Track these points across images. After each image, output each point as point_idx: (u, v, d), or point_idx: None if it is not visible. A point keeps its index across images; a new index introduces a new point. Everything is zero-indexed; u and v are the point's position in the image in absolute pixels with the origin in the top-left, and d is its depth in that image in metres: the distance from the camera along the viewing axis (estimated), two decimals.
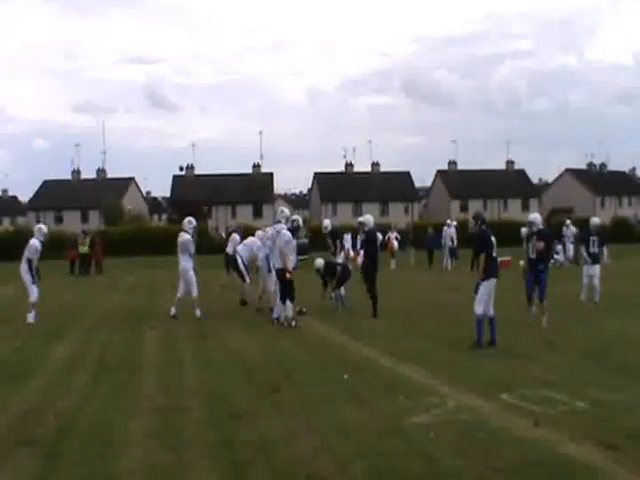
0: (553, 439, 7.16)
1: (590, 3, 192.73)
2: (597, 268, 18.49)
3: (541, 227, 15.62)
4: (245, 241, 19.06)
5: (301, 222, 19.31)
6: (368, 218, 17.77)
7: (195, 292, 17.62)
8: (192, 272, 17.55)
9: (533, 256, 15.33)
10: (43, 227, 17.79)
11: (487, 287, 12.70)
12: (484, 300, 12.65)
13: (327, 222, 22.14)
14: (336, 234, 21.63)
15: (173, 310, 17.54)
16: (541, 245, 15.01)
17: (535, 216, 16.02)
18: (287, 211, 17.52)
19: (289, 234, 16.08)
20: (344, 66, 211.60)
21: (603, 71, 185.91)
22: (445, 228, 35.21)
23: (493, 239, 12.95)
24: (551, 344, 12.82)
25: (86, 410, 8.86)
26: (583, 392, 9.06)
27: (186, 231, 17.71)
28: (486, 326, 12.73)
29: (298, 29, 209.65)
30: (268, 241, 17.09)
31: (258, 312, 17.82)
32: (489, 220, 36.65)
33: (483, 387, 9.48)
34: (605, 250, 18.72)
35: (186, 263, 17.61)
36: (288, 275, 15.72)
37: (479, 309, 12.64)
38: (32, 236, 17.42)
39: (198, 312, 17.50)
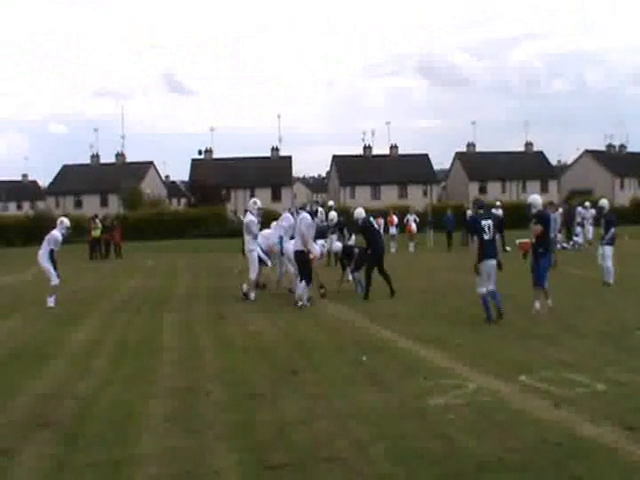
0: (572, 420, 7.14)
1: None
2: (608, 249, 18.36)
3: (541, 209, 14.95)
4: (263, 232, 18.98)
5: (322, 210, 19.72)
6: (359, 212, 18.00)
7: (253, 274, 17.58)
8: (255, 253, 17.52)
9: (533, 240, 14.65)
10: (66, 221, 17.97)
11: (485, 268, 13.29)
12: (484, 280, 13.31)
13: (333, 214, 22.21)
14: (342, 224, 21.70)
15: (245, 288, 17.68)
16: (539, 228, 14.32)
17: (534, 197, 15.23)
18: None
19: (309, 218, 16.30)
20: (361, 49, 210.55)
21: (620, 51, 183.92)
22: (468, 211, 35.15)
23: (488, 222, 13.42)
24: (570, 325, 12.77)
25: (106, 393, 8.91)
26: (602, 373, 9.02)
27: (251, 212, 17.74)
28: (492, 302, 13.37)
29: (316, 12, 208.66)
30: (283, 222, 17.10)
31: (274, 297, 17.88)
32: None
33: (502, 369, 9.45)
34: (611, 232, 18.39)
35: (249, 244, 17.63)
36: (311, 256, 15.96)
37: (482, 289, 13.37)
38: (53, 222, 17.57)
39: (248, 292, 17.60)
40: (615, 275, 18.35)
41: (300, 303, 15.64)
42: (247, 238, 17.70)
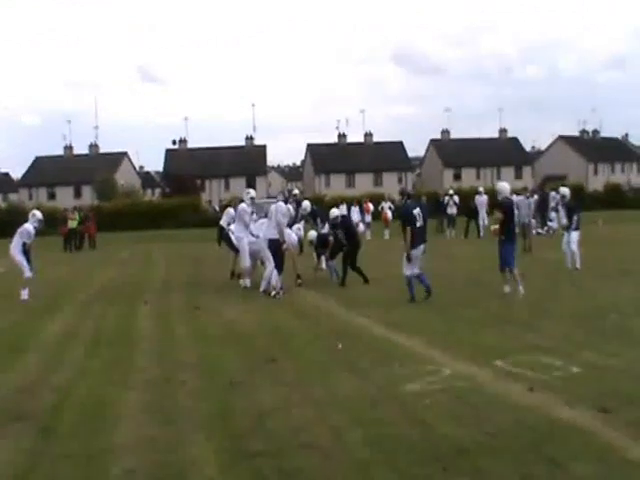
0: (548, 404, 7.18)
1: None
2: (574, 235, 18.55)
3: (506, 196, 15.06)
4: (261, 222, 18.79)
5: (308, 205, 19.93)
6: (333, 212, 18.39)
7: (246, 262, 17.46)
8: (245, 241, 17.38)
9: (496, 227, 14.75)
10: (38, 213, 17.79)
11: (414, 254, 14.02)
12: (413, 264, 14.04)
13: (306, 204, 22.22)
14: (315, 213, 21.69)
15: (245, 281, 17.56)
16: (499, 215, 14.55)
17: (502, 185, 15.37)
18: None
19: (285, 206, 16.41)
20: (335, 36, 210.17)
21: (593, 37, 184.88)
22: (447, 198, 35.37)
23: (417, 210, 14.26)
24: (545, 310, 12.85)
25: (81, 384, 8.86)
26: (577, 357, 9.08)
27: (245, 201, 17.58)
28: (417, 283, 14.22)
29: (291, 1, 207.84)
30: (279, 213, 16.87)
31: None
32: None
33: (477, 354, 9.49)
34: (574, 219, 18.61)
35: (239, 232, 17.58)
36: (285, 246, 16.12)
37: (407, 272, 14.13)
38: (25, 215, 17.42)
39: (246, 282, 17.51)
40: (581, 259, 18.44)
41: (274, 292, 15.63)
42: (237, 227, 17.67)
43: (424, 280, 14.25)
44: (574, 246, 18.45)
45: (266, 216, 17.51)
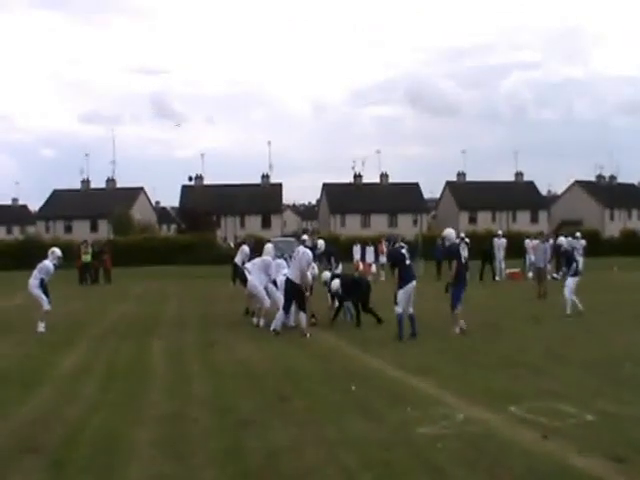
0: (561, 452, 7.13)
1: (595, 14, 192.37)
2: (570, 280, 18.67)
3: (454, 242, 16.03)
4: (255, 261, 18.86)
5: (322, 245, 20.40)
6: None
7: (266, 302, 17.60)
8: (262, 288, 17.63)
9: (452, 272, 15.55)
10: (57, 251, 18.03)
11: (405, 292, 14.77)
12: (403, 302, 14.72)
13: (321, 243, 22.25)
14: (330, 253, 21.70)
15: (262, 321, 17.60)
16: (454, 264, 15.36)
17: (449, 231, 16.25)
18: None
19: (310, 254, 16.59)
20: (350, 76, 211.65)
21: (609, 81, 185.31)
22: (457, 240, 35.21)
23: (403, 251, 15.27)
24: (559, 356, 12.78)
25: (93, 419, 8.87)
26: (591, 404, 9.02)
27: (269, 254, 18.25)
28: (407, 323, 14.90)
29: (305, 40, 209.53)
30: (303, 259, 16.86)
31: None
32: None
33: (491, 399, 9.44)
34: (573, 265, 18.82)
35: (258, 281, 17.78)
36: (307, 294, 16.47)
37: (399, 309, 14.76)
38: (42, 247, 17.62)
39: (260, 321, 17.60)
40: (575, 305, 18.39)
41: (308, 334, 15.71)
42: (257, 275, 17.76)
43: (413, 323, 14.97)
44: (567, 292, 18.51)
45: (282, 256, 17.59)
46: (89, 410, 9.32)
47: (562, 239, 20.36)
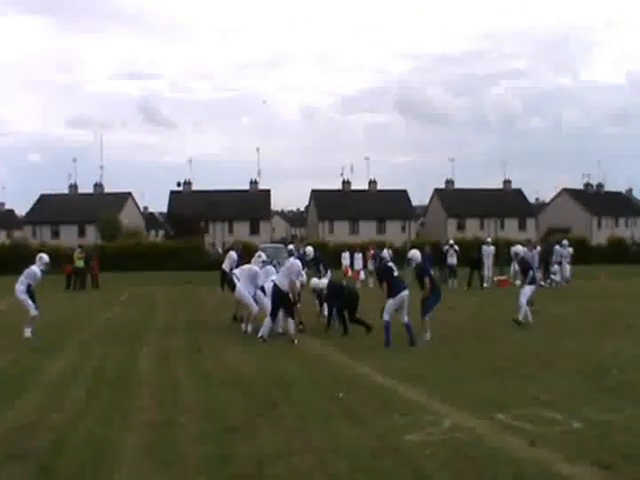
0: (548, 459, 7.16)
1: (584, 23, 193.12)
2: (527, 288, 18.57)
3: (419, 262, 16.23)
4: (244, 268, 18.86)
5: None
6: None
7: (254, 308, 17.57)
8: (249, 296, 17.64)
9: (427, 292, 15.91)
10: (45, 257, 17.91)
11: (395, 301, 15.09)
12: (390, 311, 15.08)
13: (309, 249, 22.26)
14: (318, 260, 21.68)
15: (249, 328, 17.48)
16: (427, 283, 15.78)
17: (414, 252, 16.61)
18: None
19: (300, 266, 16.90)
20: (339, 84, 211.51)
21: (597, 90, 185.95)
22: (447, 247, 35.27)
23: (391, 264, 16.05)
24: (546, 363, 12.82)
25: (80, 425, 8.84)
26: (578, 411, 9.06)
27: (256, 264, 18.41)
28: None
29: (294, 47, 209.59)
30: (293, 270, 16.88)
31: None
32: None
33: (478, 406, 9.47)
34: (530, 274, 18.85)
35: (247, 289, 17.78)
36: (298, 306, 16.86)
37: (387, 317, 15.07)
38: (29, 252, 17.51)
39: (248, 328, 17.52)
40: (526, 314, 18.29)
41: (295, 340, 15.69)
42: (246, 284, 17.74)
43: (410, 331, 15.07)
44: (522, 299, 18.40)
45: (271, 262, 17.61)
46: (76, 416, 9.29)
47: (519, 247, 20.10)
